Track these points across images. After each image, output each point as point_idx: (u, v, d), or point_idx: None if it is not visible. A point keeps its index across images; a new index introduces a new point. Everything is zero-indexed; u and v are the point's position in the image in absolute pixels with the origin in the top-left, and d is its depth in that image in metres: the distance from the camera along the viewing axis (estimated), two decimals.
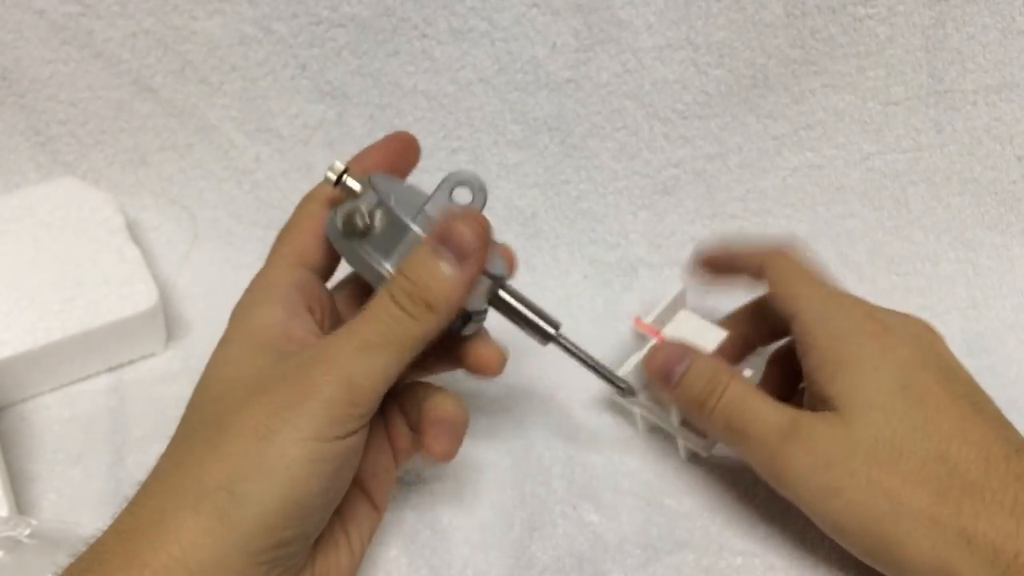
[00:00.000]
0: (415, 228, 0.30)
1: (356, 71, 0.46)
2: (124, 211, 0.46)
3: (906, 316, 0.36)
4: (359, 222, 0.29)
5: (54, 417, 0.41)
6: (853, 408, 0.32)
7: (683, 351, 0.35)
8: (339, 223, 0.30)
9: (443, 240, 0.29)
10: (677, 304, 0.41)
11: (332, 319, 0.33)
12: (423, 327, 0.29)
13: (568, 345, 0.35)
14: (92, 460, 0.40)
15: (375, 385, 0.28)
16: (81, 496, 0.38)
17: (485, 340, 0.34)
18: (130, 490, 0.38)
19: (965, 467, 0.30)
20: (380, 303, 0.29)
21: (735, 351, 0.40)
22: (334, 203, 0.32)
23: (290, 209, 0.48)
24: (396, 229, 0.30)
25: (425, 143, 0.47)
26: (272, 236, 0.48)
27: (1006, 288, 0.47)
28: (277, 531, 0.26)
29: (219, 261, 0.48)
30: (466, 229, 0.29)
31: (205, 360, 0.44)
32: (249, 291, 0.32)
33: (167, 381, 0.43)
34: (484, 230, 0.30)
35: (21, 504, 0.38)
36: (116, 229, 0.45)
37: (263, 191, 0.48)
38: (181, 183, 0.48)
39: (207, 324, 0.45)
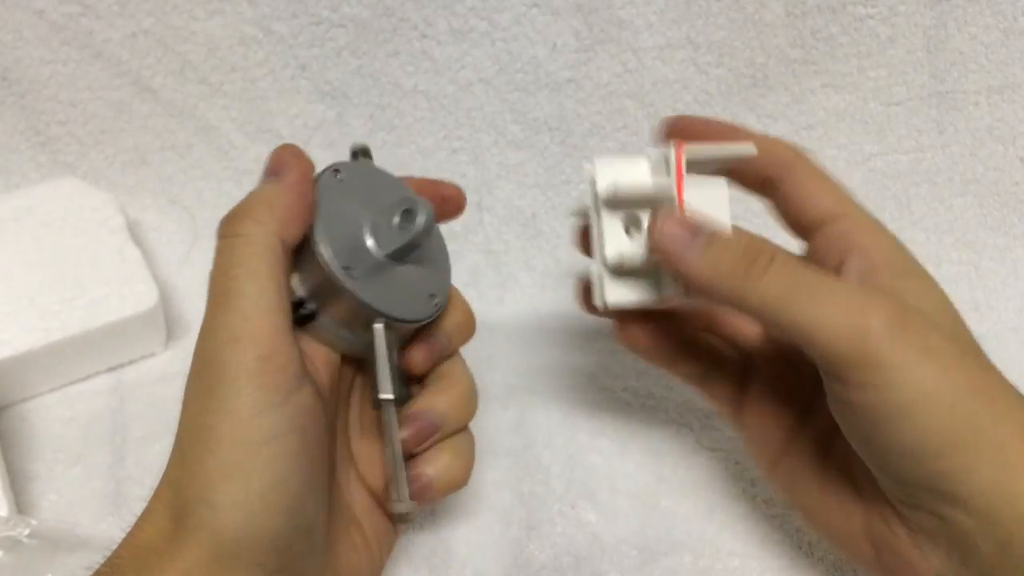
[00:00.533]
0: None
1: (356, 71, 0.46)
2: (124, 211, 0.46)
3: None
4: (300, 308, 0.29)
5: (54, 417, 0.41)
6: (928, 298, 0.29)
7: (700, 221, 0.28)
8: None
9: (272, 170, 0.29)
10: (730, 161, 0.32)
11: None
12: (272, 235, 0.27)
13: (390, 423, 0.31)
14: (92, 460, 0.40)
15: (262, 309, 0.26)
16: (81, 496, 0.38)
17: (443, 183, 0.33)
18: (130, 490, 0.39)
19: None
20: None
21: None
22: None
23: None
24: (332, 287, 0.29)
25: (425, 143, 0.48)
26: None
27: (1009, 290, 0.47)
28: (266, 529, 0.26)
29: None
30: (280, 150, 0.29)
31: None
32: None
33: (167, 381, 0.43)
34: (295, 149, 0.30)
35: (21, 504, 0.38)
36: (116, 229, 0.45)
37: None
38: (181, 183, 0.48)
39: None
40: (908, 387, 0.26)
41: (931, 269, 0.47)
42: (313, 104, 0.46)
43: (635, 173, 0.31)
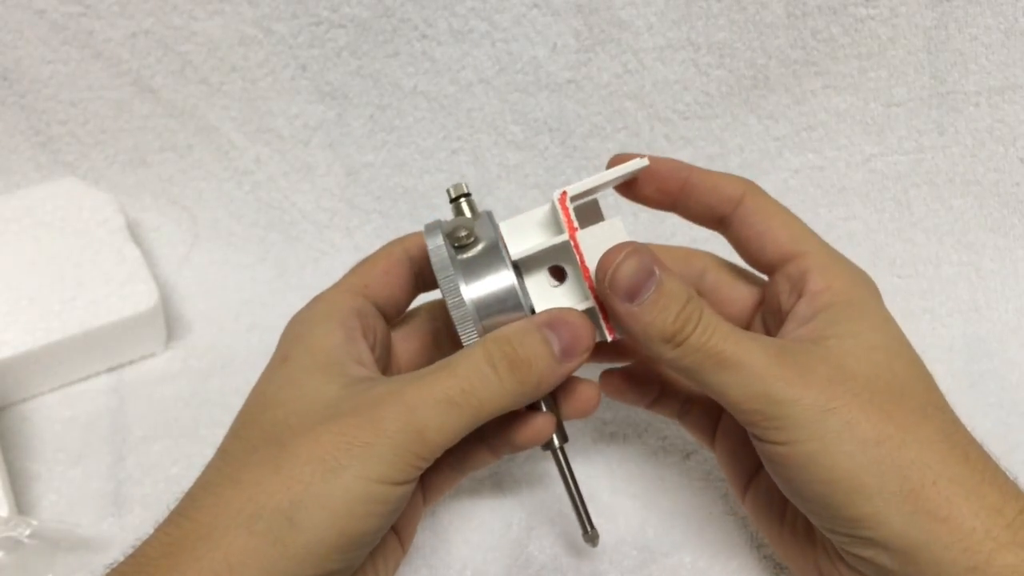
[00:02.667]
0: (509, 270, 0.30)
1: (356, 72, 0.46)
2: (124, 211, 0.46)
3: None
4: (462, 234, 0.30)
5: (54, 417, 0.42)
6: (853, 345, 0.29)
7: (652, 264, 0.29)
8: (444, 228, 0.30)
9: (555, 327, 0.29)
10: (621, 180, 0.33)
11: (385, 352, 0.33)
12: (507, 398, 0.28)
13: (563, 462, 0.33)
14: (92, 460, 0.40)
15: (444, 441, 0.28)
16: (81, 496, 0.39)
17: (583, 380, 0.33)
18: (130, 490, 0.39)
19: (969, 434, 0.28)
20: (472, 361, 0.28)
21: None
22: (414, 251, 0.33)
23: (290, 210, 0.49)
24: (489, 263, 0.30)
25: (425, 144, 0.48)
26: (272, 237, 0.49)
27: (1008, 291, 0.46)
28: (326, 563, 0.26)
29: (219, 261, 0.48)
30: (583, 331, 0.29)
31: (206, 360, 0.44)
32: (307, 309, 0.32)
33: (167, 381, 0.43)
34: (593, 341, 0.30)
35: (21, 504, 0.38)
36: (116, 229, 0.45)
37: (263, 192, 0.48)
38: (181, 183, 0.48)
39: (207, 324, 0.46)
40: (811, 441, 0.27)
41: (931, 270, 0.47)
42: (313, 104, 0.46)
43: (537, 228, 0.32)
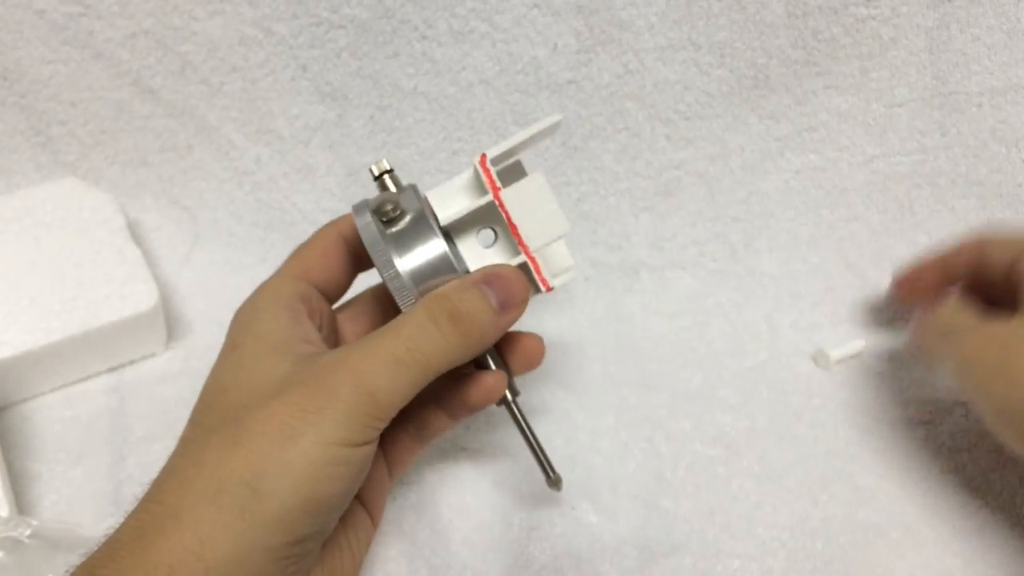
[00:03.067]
0: (439, 236, 0.31)
1: (356, 72, 0.46)
2: (125, 211, 0.46)
3: None
4: (389, 208, 0.31)
5: (55, 417, 0.42)
6: None
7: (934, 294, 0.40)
8: (371, 205, 0.31)
9: (491, 282, 0.30)
10: (539, 139, 0.34)
11: (332, 334, 0.34)
12: (452, 352, 0.29)
13: (517, 414, 0.34)
14: (93, 460, 0.40)
15: (396, 400, 0.28)
16: (81, 496, 0.39)
17: (527, 333, 0.34)
18: (130, 490, 0.39)
19: None
20: (415, 320, 0.29)
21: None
22: (349, 232, 0.34)
23: (291, 210, 0.49)
24: (419, 233, 0.31)
25: (425, 145, 0.47)
26: (273, 237, 0.49)
27: None
28: (296, 528, 0.27)
29: (219, 262, 0.48)
30: (518, 285, 0.30)
31: (206, 360, 0.44)
32: (252, 298, 0.33)
33: (168, 381, 0.43)
34: (528, 293, 0.31)
35: (22, 504, 0.38)
36: (117, 229, 0.45)
37: (264, 192, 0.48)
38: (182, 184, 0.48)
39: (208, 324, 0.46)
40: None
41: None
42: (313, 105, 0.46)
43: (462, 193, 0.33)
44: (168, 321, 0.44)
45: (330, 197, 0.48)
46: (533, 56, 0.45)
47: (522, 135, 0.32)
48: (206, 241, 0.48)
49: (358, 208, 0.32)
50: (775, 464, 0.40)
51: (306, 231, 0.49)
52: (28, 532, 0.35)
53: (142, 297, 0.42)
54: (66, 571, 0.27)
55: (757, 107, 0.47)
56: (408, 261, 0.31)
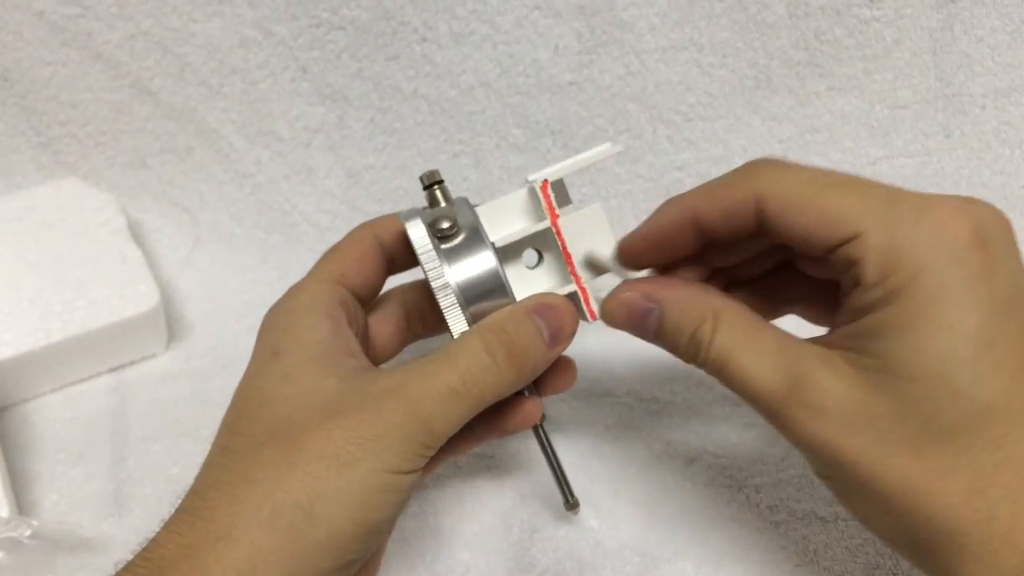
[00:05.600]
0: (494, 257, 0.31)
1: (356, 74, 0.45)
2: (125, 212, 0.46)
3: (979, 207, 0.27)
4: (446, 226, 0.31)
5: (56, 417, 0.42)
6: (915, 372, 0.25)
7: (645, 300, 0.30)
8: (426, 218, 0.31)
9: (543, 313, 0.30)
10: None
11: (365, 337, 0.34)
12: (504, 385, 0.29)
13: (543, 439, 0.35)
14: (93, 460, 0.40)
15: (448, 430, 0.29)
16: (82, 496, 0.39)
17: (562, 357, 0.34)
18: (131, 490, 0.39)
19: None
20: (472, 351, 0.29)
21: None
22: (384, 236, 0.33)
23: (291, 212, 0.48)
24: (472, 254, 0.31)
25: (426, 147, 0.47)
26: (273, 239, 0.49)
27: None
28: (345, 553, 0.27)
29: (220, 263, 0.48)
30: (568, 316, 0.30)
31: (207, 361, 0.44)
32: (289, 302, 0.32)
33: (168, 382, 0.43)
34: (577, 325, 0.31)
35: (22, 504, 0.38)
36: (118, 230, 0.45)
37: (264, 194, 0.48)
38: (182, 185, 0.48)
39: (208, 325, 0.46)
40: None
41: None
42: (314, 107, 0.46)
43: (514, 214, 0.33)
44: (169, 322, 0.44)
45: (331, 199, 0.48)
46: (534, 58, 0.45)
47: (580, 161, 0.32)
48: (207, 242, 0.48)
49: (407, 217, 0.31)
50: (779, 471, 0.40)
51: (307, 233, 0.49)
52: (28, 532, 0.35)
53: (143, 298, 0.42)
54: None
55: (759, 108, 0.46)
56: (460, 276, 0.30)
